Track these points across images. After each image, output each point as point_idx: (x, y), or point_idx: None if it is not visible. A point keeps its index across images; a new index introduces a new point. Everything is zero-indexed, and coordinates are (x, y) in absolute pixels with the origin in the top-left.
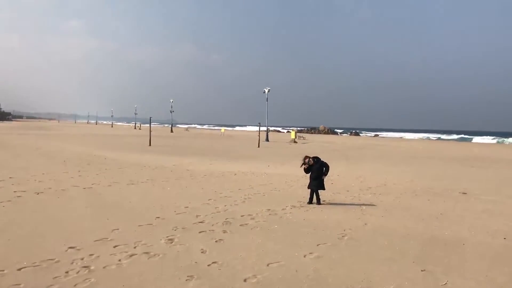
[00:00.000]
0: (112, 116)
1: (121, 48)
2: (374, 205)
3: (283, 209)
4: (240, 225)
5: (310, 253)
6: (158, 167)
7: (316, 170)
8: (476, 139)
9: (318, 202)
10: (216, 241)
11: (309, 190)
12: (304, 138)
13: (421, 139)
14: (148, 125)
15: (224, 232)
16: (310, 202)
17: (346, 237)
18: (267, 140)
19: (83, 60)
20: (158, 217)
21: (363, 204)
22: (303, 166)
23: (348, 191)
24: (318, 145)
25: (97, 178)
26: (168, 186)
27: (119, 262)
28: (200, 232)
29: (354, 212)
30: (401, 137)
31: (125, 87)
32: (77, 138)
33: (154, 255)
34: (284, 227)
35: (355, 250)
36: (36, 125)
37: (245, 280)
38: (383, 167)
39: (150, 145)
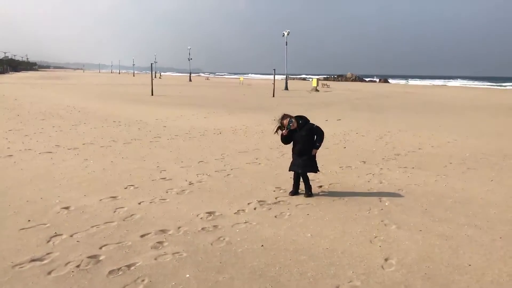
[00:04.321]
0: (133, 65)
1: None
2: (401, 195)
3: (237, 213)
4: (111, 272)
5: None
6: (129, 123)
7: (302, 139)
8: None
9: (308, 193)
10: None
11: (293, 173)
12: (328, 86)
13: (457, 86)
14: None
15: None
16: (295, 192)
17: None
18: (286, 88)
19: (109, 10)
20: None
21: (385, 194)
22: (280, 131)
23: (365, 162)
24: (340, 94)
25: (20, 141)
26: (97, 157)
27: None
28: None
29: (366, 216)
30: (433, 84)
31: (151, 37)
32: (81, 87)
33: None
34: (198, 279)
35: None
36: (56, 74)
37: None
38: (415, 120)
39: (152, 94)
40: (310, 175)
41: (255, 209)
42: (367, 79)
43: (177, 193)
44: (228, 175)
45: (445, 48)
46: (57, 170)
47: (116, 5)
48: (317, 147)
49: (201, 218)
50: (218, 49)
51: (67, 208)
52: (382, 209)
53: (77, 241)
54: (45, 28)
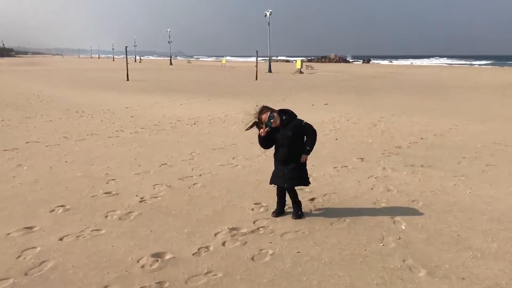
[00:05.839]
0: (113, 49)
1: None
2: (419, 212)
3: (198, 253)
4: None
5: None
6: (93, 113)
7: (287, 141)
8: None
9: (297, 214)
10: None
11: (275, 189)
12: (312, 68)
13: (439, 66)
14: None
15: None
16: (280, 212)
17: None
18: (269, 71)
19: None
20: None
21: (397, 210)
22: (256, 129)
23: (363, 159)
24: (325, 75)
25: None
26: (36, 161)
27: None
28: None
29: (381, 253)
30: (412, 63)
31: (131, 20)
32: (55, 73)
33: None
34: None
35: None
36: (32, 60)
37: None
38: (406, 103)
39: (127, 80)
40: (299, 189)
41: (224, 244)
42: (351, 60)
43: (120, 219)
44: (194, 184)
45: (424, 28)
46: None
47: None
48: (308, 152)
49: (142, 266)
50: (200, 32)
51: None
52: (399, 238)
53: None
54: (22, 12)
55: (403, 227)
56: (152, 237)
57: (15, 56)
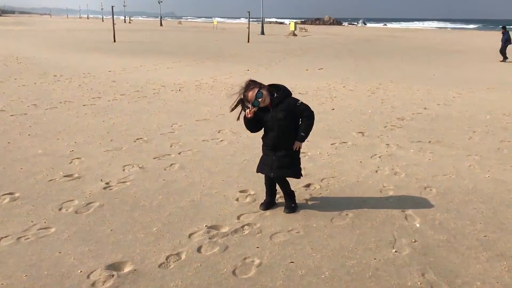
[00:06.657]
0: (102, 9)
1: None
2: (433, 203)
3: (166, 263)
4: None
5: None
6: (72, 77)
7: (277, 124)
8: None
9: (290, 207)
10: None
11: (264, 177)
12: (306, 30)
13: (436, 29)
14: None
15: None
16: (269, 203)
17: None
18: (262, 33)
19: None
20: None
21: (408, 200)
22: (238, 110)
23: (363, 133)
24: (320, 38)
25: None
26: None
27: None
28: None
29: (393, 263)
30: (407, 27)
31: None
32: (39, 34)
33: None
34: None
35: None
36: (18, 20)
37: None
38: (403, 68)
39: (114, 41)
40: (291, 180)
41: (199, 250)
42: (345, 23)
43: (76, 212)
44: (171, 165)
45: None
46: None
47: None
48: (302, 139)
49: (93, 283)
50: None
51: None
52: (414, 241)
53: None
54: None
55: (417, 225)
56: (112, 240)
57: (1, 15)
